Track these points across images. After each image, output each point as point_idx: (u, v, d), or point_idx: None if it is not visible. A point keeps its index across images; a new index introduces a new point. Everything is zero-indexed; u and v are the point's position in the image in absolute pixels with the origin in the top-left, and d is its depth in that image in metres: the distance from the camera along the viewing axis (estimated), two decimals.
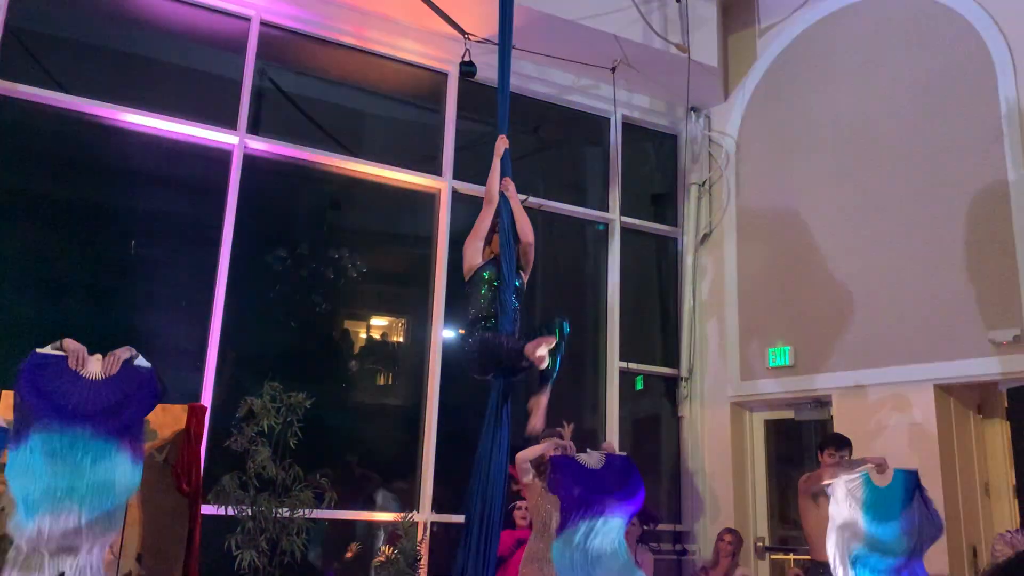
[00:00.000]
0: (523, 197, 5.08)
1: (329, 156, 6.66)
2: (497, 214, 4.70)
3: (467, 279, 4.66)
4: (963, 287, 5.90)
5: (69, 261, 5.90)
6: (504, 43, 5.05)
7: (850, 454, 5.10)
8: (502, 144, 4.82)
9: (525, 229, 4.69)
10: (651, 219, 7.98)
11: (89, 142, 6.09)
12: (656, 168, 8.26)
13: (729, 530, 6.42)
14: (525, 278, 4.72)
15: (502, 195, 4.68)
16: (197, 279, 6.07)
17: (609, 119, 7.78)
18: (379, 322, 7.27)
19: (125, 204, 6.12)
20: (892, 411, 6.13)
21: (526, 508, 5.89)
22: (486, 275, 4.55)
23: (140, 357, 4.12)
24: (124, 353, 4.10)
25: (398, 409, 6.86)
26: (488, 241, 4.68)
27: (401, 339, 7.27)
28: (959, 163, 6.09)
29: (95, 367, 4.02)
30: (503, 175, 4.76)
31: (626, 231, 7.69)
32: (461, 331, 4.82)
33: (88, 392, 3.90)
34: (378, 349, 7.12)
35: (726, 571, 6.19)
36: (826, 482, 4.79)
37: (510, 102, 5.04)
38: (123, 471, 3.81)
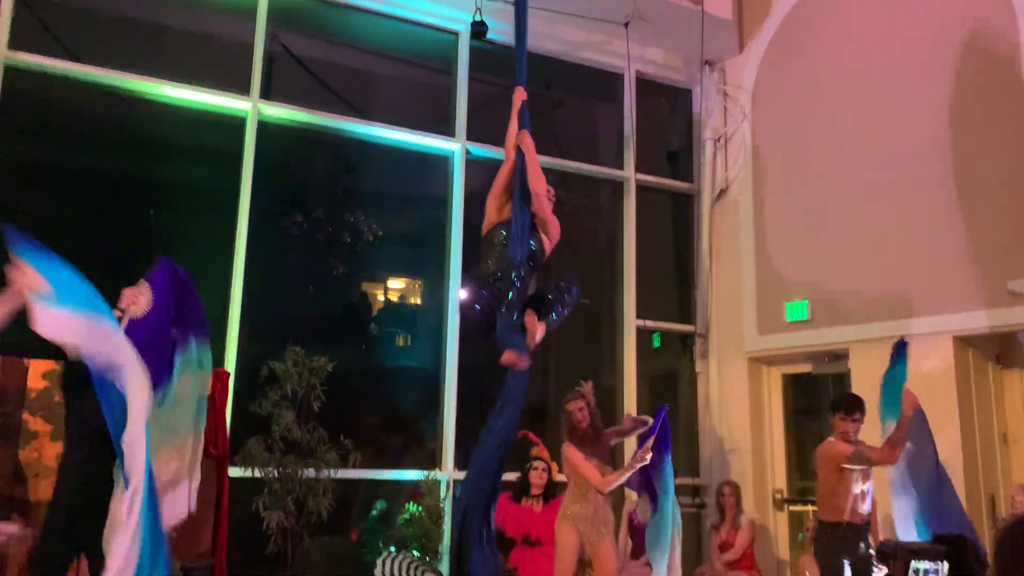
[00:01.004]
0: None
1: (343, 120, 6.65)
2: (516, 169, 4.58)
3: (483, 235, 4.58)
4: (982, 237, 5.86)
5: (87, 231, 5.95)
6: None
7: (862, 416, 5.02)
8: (519, 97, 4.67)
9: (534, 178, 4.49)
10: (666, 175, 7.94)
11: (103, 112, 6.12)
12: (671, 124, 8.19)
13: (727, 483, 6.50)
14: (546, 242, 4.55)
15: (517, 148, 4.54)
16: (217, 246, 6.12)
17: (622, 75, 7.70)
18: (396, 284, 7.32)
19: (142, 173, 6.16)
20: (910, 363, 6.13)
21: (543, 469, 5.98)
22: (503, 233, 4.43)
23: None
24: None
25: (418, 370, 6.93)
26: (510, 198, 4.57)
27: (419, 301, 7.33)
28: (979, 112, 6.01)
29: None
30: (521, 128, 4.62)
31: (641, 188, 7.66)
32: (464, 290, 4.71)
33: None
34: (396, 311, 7.19)
35: (731, 522, 6.28)
36: (846, 465, 4.83)
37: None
38: None
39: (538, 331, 4.20)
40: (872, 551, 4.89)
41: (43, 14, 5.92)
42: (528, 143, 4.58)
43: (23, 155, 5.80)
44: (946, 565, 3.53)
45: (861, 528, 4.90)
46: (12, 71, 5.63)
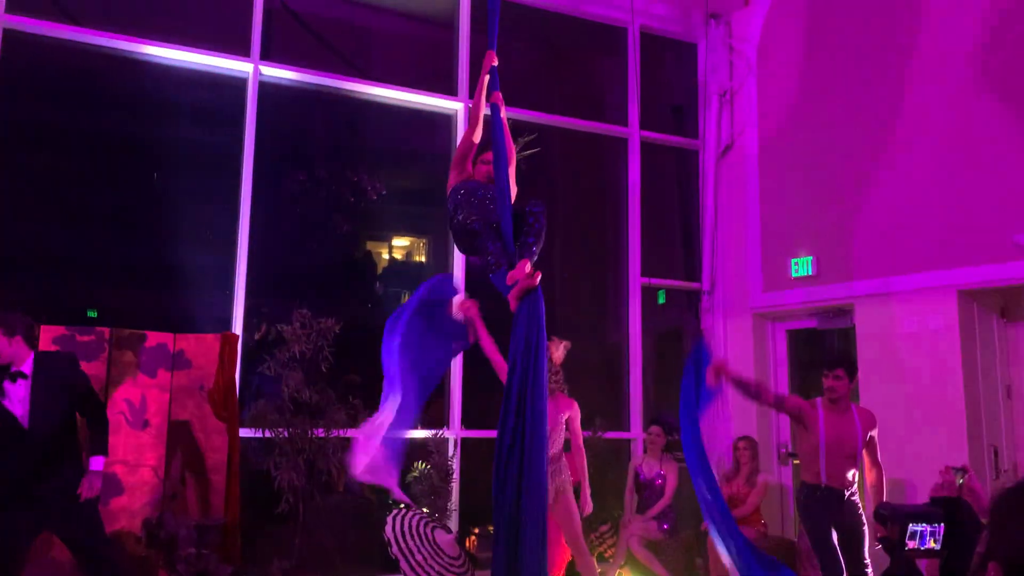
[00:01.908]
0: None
1: (344, 80, 6.60)
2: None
3: (448, 195, 4.36)
4: (986, 191, 5.82)
5: (92, 193, 5.97)
6: None
7: (845, 374, 4.93)
8: (489, 61, 4.43)
9: (508, 141, 4.31)
10: (671, 132, 7.88)
11: (104, 73, 6.08)
12: (675, 79, 8.10)
13: (742, 437, 6.55)
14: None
15: (494, 107, 4.31)
16: (221, 207, 6.14)
17: (625, 29, 7.60)
18: (401, 242, 7.32)
19: (145, 135, 6.15)
20: (914, 318, 6.15)
21: None
22: (463, 191, 4.21)
23: None
24: None
25: None
26: (472, 162, 4.39)
27: (423, 259, 7.34)
28: (986, 63, 5.91)
29: None
30: (491, 90, 4.37)
31: (645, 145, 7.61)
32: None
33: None
34: (401, 269, 7.21)
35: (747, 477, 6.35)
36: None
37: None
38: None
39: (519, 271, 3.93)
40: (862, 515, 4.83)
41: None
42: (502, 105, 4.36)
43: (24, 117, 5.78)
44: (942, 527, 3.57)
45: (842, 493, 4.80)
46: (11, 34, 5.60)
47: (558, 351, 5.30)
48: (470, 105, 6.70)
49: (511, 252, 3.99)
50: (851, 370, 5.01)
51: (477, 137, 4.39)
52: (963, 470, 3.79)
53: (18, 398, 4.17)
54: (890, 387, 6.09)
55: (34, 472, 4.15)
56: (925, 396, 5.92)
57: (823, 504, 4.82)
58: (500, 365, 4.50)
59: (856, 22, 6.75)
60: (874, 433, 4.91)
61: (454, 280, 4.79)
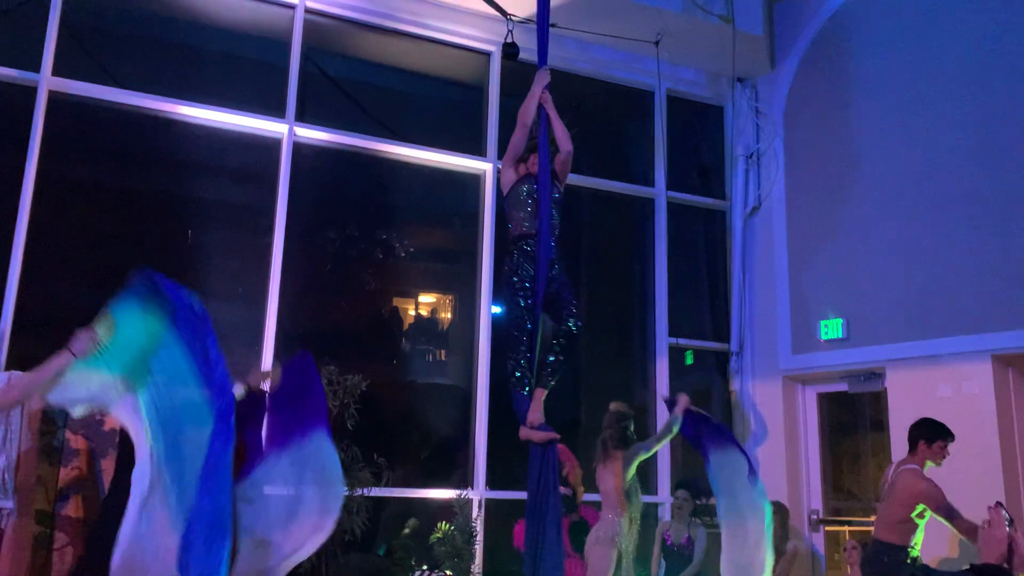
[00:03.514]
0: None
1: (375, 141, 6.74)
2: (532, 136, 4.63)
3: (505, 195, 4.68)
4: (1022, 253, 5.77)
5: (127, 250, 6.07)
6: None
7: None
8: (545, 76, 4.65)
9: (563, 138, 4.60)
10: (698, 192, 7.92)
11: (144, 134, 6.24)
12: (702, 141, 8.17)
13: (772, 502, 6.42)
14: (561, 189, 4.68)
15: (540, 108, 4.57)
16: (252, 264, 6.22)
17: (653, 93, 7.71)
18: (427, 299, 7.37)
19: (180, 193, 6.28)
20: (948, 383, 6.04)
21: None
22: (524, 189, 4.55)
23: None
24: None
25: (450, 387, 6.96)
26: (524, 160, 4.66)
27: (449, 315, 7.37)
28: (1018, 125, 5.92)
29: None
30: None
31: (673, 205, 7.65)
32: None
33: None
34: (427, 327, 7.23)
35: (776, 545, 6.19)
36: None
37: (552, 81, 4.90)
38: None
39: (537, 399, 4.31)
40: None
41: (86, 41, 6.07)
42: (550, 102, 4.62)
43: (63, 175, 5.94)
44: None
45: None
46: (56, 95, 5.79)
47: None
48: (498, 165, 6.83)
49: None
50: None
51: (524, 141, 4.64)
52: (1011, 519, 3.67)
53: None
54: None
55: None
56: (960, 462, 5.76)
57: (905, 567, 4.91)
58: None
59: (882, 85, 6.80)
60: None
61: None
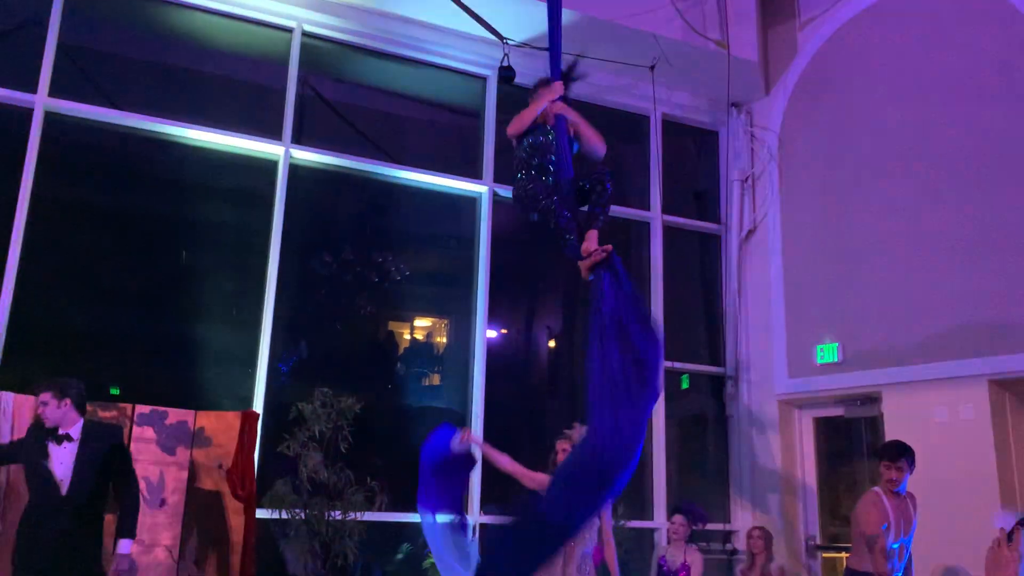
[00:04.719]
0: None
1: (372, 163, 6.75)
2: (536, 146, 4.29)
3: (515, 149, 4.38)
4: (1017, 277, 5.77)
5: (122, 271, 6.06)
6: None
7: (907, 464, 4.99)
8: (558, 90, 4.31)
9: (597, 144, 4.36)
10: (694, 216, 7.93)
11: (139, 155, 6.25)
12: (698, 165, 8.20)
13: (756, 527, 6.39)
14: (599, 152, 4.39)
15: (560, 120, 4.24)
16: (246, 286, 6.20)
17: (649, 117, 7.75)
18: (423, 323, 7.34)
19: (175, 214, 6.27)
20: (944, 407, 6.02)
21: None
22: (530, 141, 4.26)
23: None
24: None
25: (445, 410, 6.92)
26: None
27: (444, 339, 7.34)
28: (1012, 152, 5.95)
29: None
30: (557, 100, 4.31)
31: (669, 229, 7.66)
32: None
33: None
34: (423, 350, 7.20)
35: (762, 567, 6.15)
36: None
37: None
38: None
39: (591, 243, 3.97)
40: None
41: (83, 62, 6.09)
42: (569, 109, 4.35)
43: (57, 195, 5.92)
44: None
45: None
46: (52, 116, 5.80)
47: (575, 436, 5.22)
48: (494, 188, 6.79)
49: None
50: (913, 462, 5.05)
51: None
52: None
53: (60, 461, 4.28)
54: (921, 476, 5.91)
55: (61, 537, 4.18)
56: (958, 486, 5.74)
57: None
58: (523, 474, 4.69)
59: (877, 110, 6.84)
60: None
61: (446, 431, 4.92)
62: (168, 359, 5.98)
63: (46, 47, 5.83)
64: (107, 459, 4.38)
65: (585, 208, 4.16)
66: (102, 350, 5.89)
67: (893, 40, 6.86)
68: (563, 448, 5.03)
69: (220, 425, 5.47)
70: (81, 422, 4.39)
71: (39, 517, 4.23)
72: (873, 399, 6.58)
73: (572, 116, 4.36)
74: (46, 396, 4.31)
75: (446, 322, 7.38)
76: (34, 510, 4.27)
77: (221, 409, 5.62)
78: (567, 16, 6.18)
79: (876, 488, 5.06)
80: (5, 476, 4.71)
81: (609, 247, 3.90)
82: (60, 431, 4.31)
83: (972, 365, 5.87)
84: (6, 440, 4.69)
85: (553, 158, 4.20)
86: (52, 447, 4.28)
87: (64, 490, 4.25)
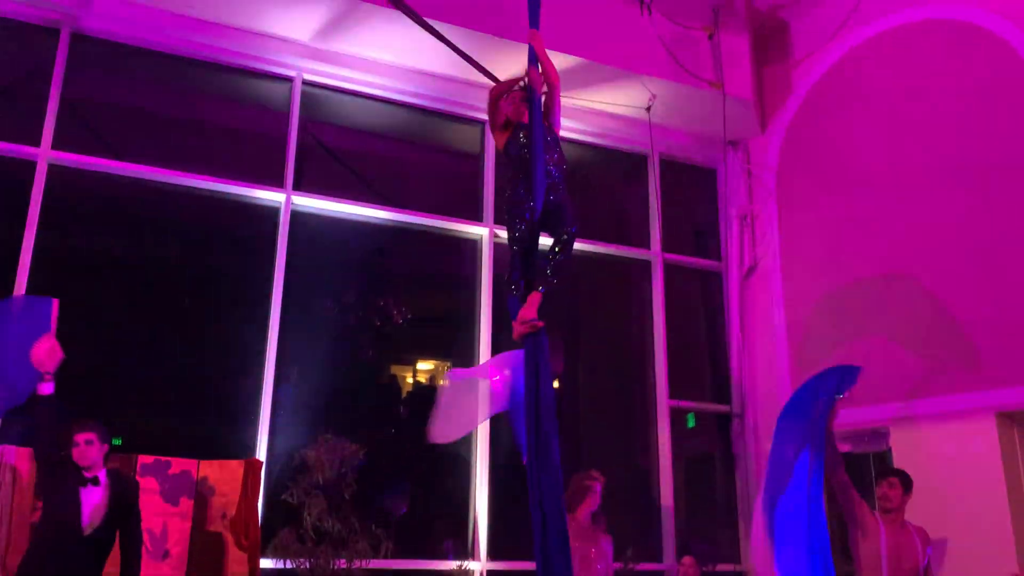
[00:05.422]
0: None
1: (372, 207, 6.78)
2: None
3: (502, 149, 4.44)
4: (1022, 309, 5.77)
5: (123, 320, 6.06)
6: None
7: (899, 482, 4.93)
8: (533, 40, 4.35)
9: (550, 71, 4.35)
10: (694, 254, 7.95)
11: (141, 203, 6.29)
12: (697, 203, 8.24)
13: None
14: (556, 128, 4.42)
15: (530, 48, 4.31)
16: (249, 333, 6.19)
17: (646, 156, 7.81)
18: (425, 366, 7.31)
19: (177, 262, 6.30)
20: (953, 441, 5.98)
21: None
22: (517, 137, 4.30)
23: None
24: None
25: (449, 454, 6.86)
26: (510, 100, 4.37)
27: (447, 382, 7.30)
28: (1010, 182, 5.99)
29: None
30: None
31: (670, 267, 7.67)
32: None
33: None
34: (425, 393, 7.15)
35: None
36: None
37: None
38: None
39: (530, 311, 4.04)
40: None
41: (85, 113, 6.16)
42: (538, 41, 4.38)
43: (66, 244, 5.95)
44: None
45: None
46: (54, 168, 5.84)
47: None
48: (495, 230, 6.81)
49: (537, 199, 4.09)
50: (905, 481, 4.94)
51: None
52: None
53: (89, 502, 4.25)
54: (931, 510, 5.84)
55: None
56: (969, 519, 5.68)
57: None
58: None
59: (872, 145, 6.90)
60: (930, 552, 4.81)
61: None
62: (170, 407, 5.95)
63: (49, 102, 5.90)
64: (123, 508, 4.38)
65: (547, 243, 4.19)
66: (104, 400, 5.86)
67: (886, 75, 6.94)
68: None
69: (223, 474, 5.42)
70: (105, 469, 4.39)
71: (50, 553, 4.18)
72: (881, 434, 6.53)
73: (540, 52, 4.36)
74: (91, 436, 4.29)
75: (448, 364, 7.35)
76: (46, 544, 4.23)
77: (224, 457, 5.58)
78: (563, 61, 6.28)
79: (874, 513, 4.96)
80: (8, 502, 4.70)
81: (540, 324, 3.99)
82: (89, 473, 4.30)
83: (979, 398, 5.83)
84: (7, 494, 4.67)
85: (523, 191, 4.23)
86: (83, 487, 4.27)
87: (84, 531, 4.22)
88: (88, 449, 4.27)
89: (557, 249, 4.11)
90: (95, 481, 4.30)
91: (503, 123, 4.38)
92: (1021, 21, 6.10)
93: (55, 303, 4.52)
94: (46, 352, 4.31)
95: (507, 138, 4.37)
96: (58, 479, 4.31)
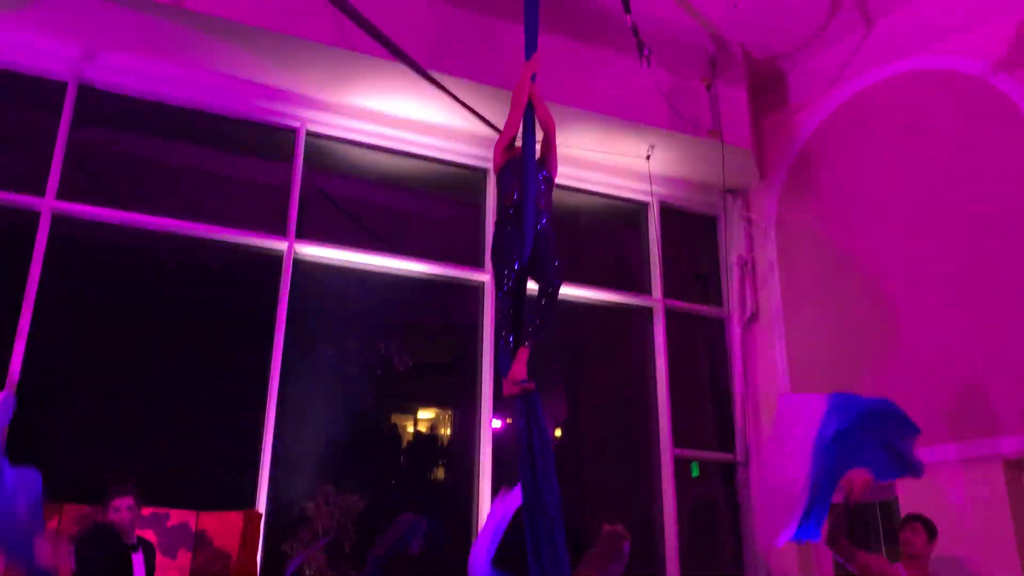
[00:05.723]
0: None
1: (374, 255, 6.81)
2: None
3: (496, 173, 4.62)
4: None
5: (123, 369, 6.04)
6: None
7: (922, 528, 4.91)
8: (534, 65, 4.51)
9: (544, 118, 4.51)
10: (696, 300, 7.95)
11: (143, 252, 6.31)
12: (697, 250, 8.27)
13: None
14: (551, 172, 4.54)
15: (527, 148, 4.44)
16: (249, 383, 6.16)
17: (646, 204, 7.86)
18: (426, 415, 7.27)
19: (179, 312, 6.29)
20: (959, 488, 5.91)
21: None
22: (511, 168, 4.46)
23: None
24: None
25: (451, 505, 6.78)
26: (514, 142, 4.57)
27: (448, 431, 7.25)
28: (1012, 226, 6.01)
29: None
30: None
31: (671, 314, 7.66)
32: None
33: None
34: (426, 442, 7.10)
35: None
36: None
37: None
38: None
39: (519, 370, 4.14)
40: None
41: (89, 164, 6.22)
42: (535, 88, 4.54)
43: (67, 293, 5.96)
44: None
45: None
46: (58, 217, 5.88)
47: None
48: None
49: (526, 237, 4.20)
50: (930, 528, 4.89)
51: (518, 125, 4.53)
52: None
53: (139, 569, 4.23)
54: (939, 559, 5.76)
55: None
56: (978, 568, 5.59)
57: None
58: None
59: (871, 191, 6.94)
60: None
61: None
62: (169, 458, 5.90)
63: (55, 153, 5.96)
64: (150, 571, 4.37)
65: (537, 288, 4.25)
66: (102, 451, 5.82)
67: (881, 123, 7.01)
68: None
69: (222, 526, 5.35)
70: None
71: None
72: (887, 483, 6.45)
73: (535, 99, 4.49)
74: (131, 501, 4.22)
75: (449, 413, 7.30)
76: None
77: (223, 509, 5.51)
78: (561, 113, 6.35)
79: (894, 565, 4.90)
80: None
81: (531, 386, 4.06)
82: (130, 539, 4.23)
83: (985, 445, 5.79)
84: None
85: (512, 234, 4.32)
86: (133, 556, 4.21)
87: None
88: (130, 515, 4.21)
89: (543, 302, 4.19)
90: (135, 547, 4.24)
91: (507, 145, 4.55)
92: (1007, 67, 6.18)
93: None
94: None
95: (505, 160, 4.49)
96: (100, 549, 4.16)
